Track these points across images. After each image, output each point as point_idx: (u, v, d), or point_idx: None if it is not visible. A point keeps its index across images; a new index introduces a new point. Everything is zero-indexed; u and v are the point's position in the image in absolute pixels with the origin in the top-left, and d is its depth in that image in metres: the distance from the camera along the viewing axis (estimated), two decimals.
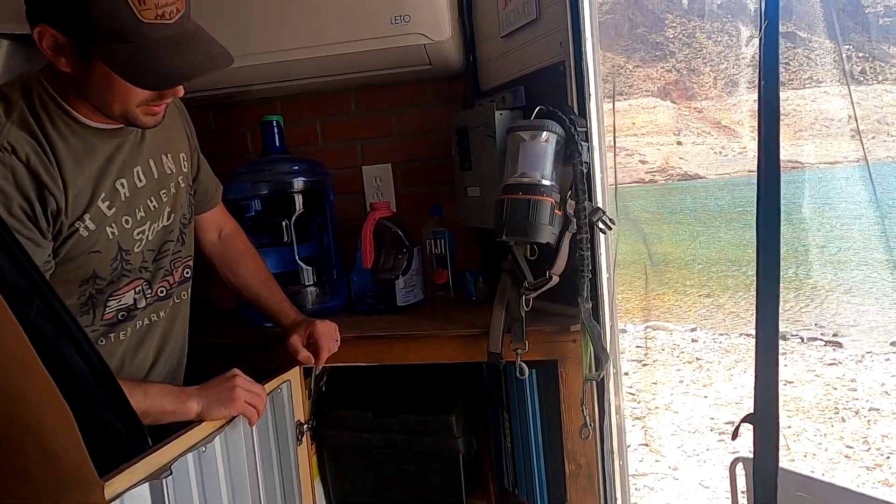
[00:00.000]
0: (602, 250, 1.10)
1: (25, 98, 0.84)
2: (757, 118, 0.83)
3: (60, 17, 0.78)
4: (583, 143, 1.05)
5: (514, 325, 1.13)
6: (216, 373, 1.02)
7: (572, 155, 1.05)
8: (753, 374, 0.90)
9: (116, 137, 0.93)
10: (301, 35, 1.34)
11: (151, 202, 0.98)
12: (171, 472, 0.81)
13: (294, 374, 1.17)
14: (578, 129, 1.05)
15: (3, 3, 1.39)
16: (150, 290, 1.00)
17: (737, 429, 0.94)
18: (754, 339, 0.90)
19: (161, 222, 1.01)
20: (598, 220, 1.05)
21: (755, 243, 0.87)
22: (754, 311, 0.88)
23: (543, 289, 1.08)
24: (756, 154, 0.85)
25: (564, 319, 1.14)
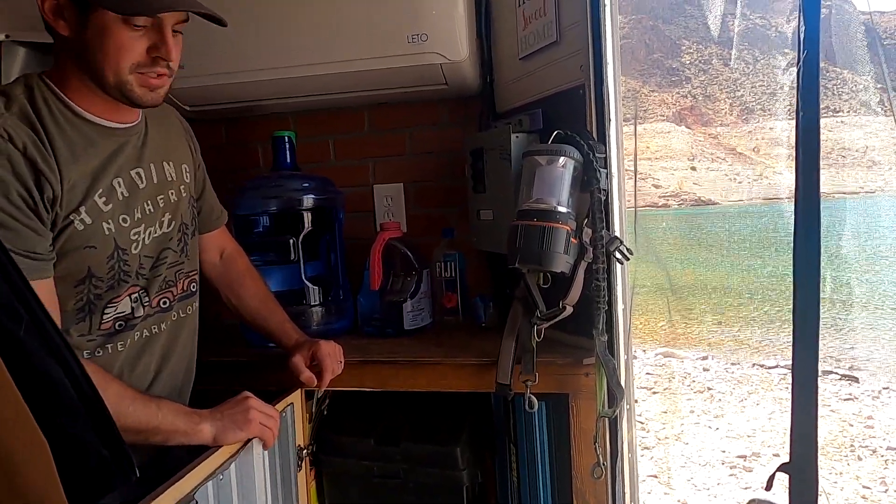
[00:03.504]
0: (619, 281, 1.05)
1: (27, 94, 0.85)
2: (795, 149, 0.79)
3: None
4: (601, 169, 1.01)
5: (524, 355, 1.09)
6: (215, 392, 0.99)
7: (590, 181, 1.02)
8: (790, 419, 0.85)
9: (118, 137, 0.93)
10: (317, 51, 1.32)
11: (148, 205, 0.97)
12: (196, 502, 0.78)
13: (296, 397, 1.14)
14: (597, 155, 1.01)
15: (20, 13, 1.40)
16: (147, 299, 0.98)
17: (771, 478, 0.88)
18: (790, 380, 0.85)
19: (159, 228, 0.99)
20: (615, 250, 1.01)
21: (792, 277, 0.83)
22: (791, 346, 0.83)
23: (556, 319, 1.03)
24: (793, 184, 0.81)
25: (577, 351, 1.10)
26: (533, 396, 1.07)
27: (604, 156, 1.03)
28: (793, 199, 0.85)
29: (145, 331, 0.99)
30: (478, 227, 1.35)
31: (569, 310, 1.03)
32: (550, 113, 1.18)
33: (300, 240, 1.34)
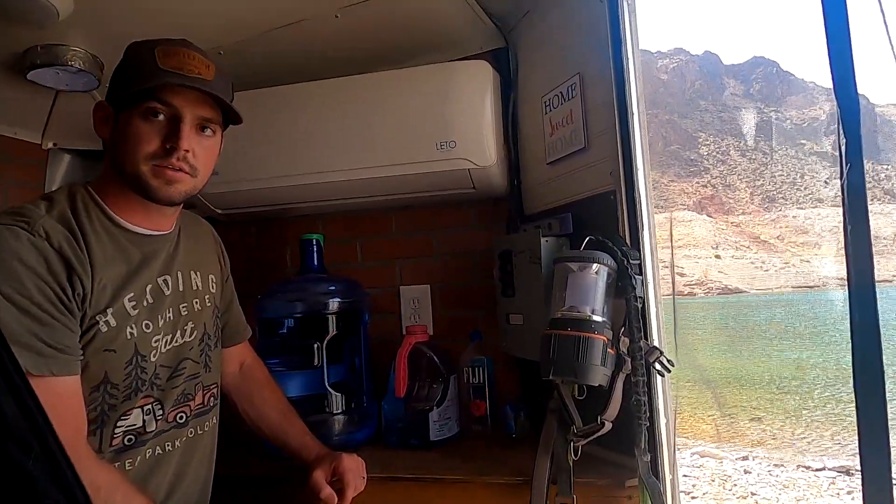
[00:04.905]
0: (660, 394, 0.99)
1: (70, 201, 0.88)
2: (843, 238, 0.77)
3: (111, 90, 0.90)
4: (636, 276, 0.98)
5: (560, 474, 1.01)
6: None
7: (625, 288, 0.98)
8: None
9: (151, 244, 0.94)
10: (348, 158, 1.35)
11: (169, 313, 0.95)
12: None
13: None
14: (632, 261, 0.98)
15: (66, 124, 1.48)
16: (161, 412, 0.93)
17: None
18: (861, 485, 0.76)
19: (181, 337, 0.97)
20: (654, 361, 0.96)
21: (852, 373, 0.77)
22: (856, 443, 0.76)
23: (594, 436, 0.97)
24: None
25: (619, 470, 1.02)
26: None
27: (638, 262, 1.00)
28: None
29: (158, 448, 0.94)
30: (507, 332, 1.30)
31: (608, 426, 0.96)
32: (581, 216, 1.16)
33: (325, 344, 1.31)
